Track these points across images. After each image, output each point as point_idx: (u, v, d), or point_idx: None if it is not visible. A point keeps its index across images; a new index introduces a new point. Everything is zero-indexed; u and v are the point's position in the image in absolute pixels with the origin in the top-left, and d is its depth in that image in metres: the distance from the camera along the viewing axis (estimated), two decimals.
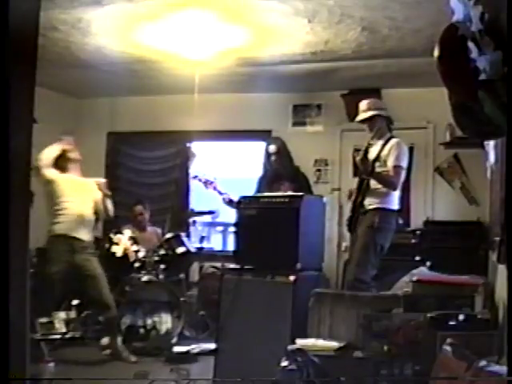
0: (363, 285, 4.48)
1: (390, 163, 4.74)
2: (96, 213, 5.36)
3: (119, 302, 5.44)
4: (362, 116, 4.97)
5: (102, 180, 5.42)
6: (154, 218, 6.79)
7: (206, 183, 5.55)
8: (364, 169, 4.79)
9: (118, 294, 5.53)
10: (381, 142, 4.88)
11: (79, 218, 5.16)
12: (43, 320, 5.01)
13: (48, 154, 5.05)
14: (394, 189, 4.79)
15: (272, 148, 5.75)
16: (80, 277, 5.14)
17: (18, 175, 1.48)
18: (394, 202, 4.82)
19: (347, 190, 5.23)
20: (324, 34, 4.98)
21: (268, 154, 5.78)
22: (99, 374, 4.52)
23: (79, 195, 5.20)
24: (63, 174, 5.19)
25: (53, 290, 5.00)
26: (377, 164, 4.82)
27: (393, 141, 4.85)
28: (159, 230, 6.64)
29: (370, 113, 4.91)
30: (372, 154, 4.88)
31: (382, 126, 4.94)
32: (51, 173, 5.09)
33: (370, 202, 4.77)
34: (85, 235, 5.21)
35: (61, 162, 5.17)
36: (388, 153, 4.79)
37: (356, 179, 5.08)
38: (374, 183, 4.79)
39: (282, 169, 5.68)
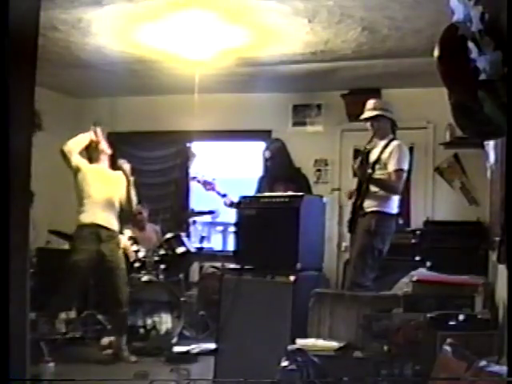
0: (361, 288, 4.48)
1: (391, 167, 4.73)
2: (121, 205, 5.34)
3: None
4: (367, 114, 4.97)
5: (127, 164, 5.37)
6: (154, 218, 6.79)
7: (205, 184, 5.55)
8: (362, 175, 4.81)
9: None
10: (382, 144, 4.88)
11: (105, 206, 5.15)
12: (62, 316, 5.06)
13: (76, 142, 5.09)
14: (396, 193, 4.79)
15: (267, 154, 5.78)
16: (103, 267, 5.12)
17: (18, 175, 1.48)
18: (393, 205, 4.82)
19: (347, 191, 5.23)
20: (324, 34, 4.98)
21: (265, 159, 5.80)
22: (99, 374, 4.52)
23: (106, 185, 5.19)
24: (92, 164, 5.19)
25: (75, 279, 5.02)
26: (377, 166, 4.82)
27: (394, 143, 4.84)
28: (158, 229, 6.64)
29: (376, 112, 4.91)
30: (373, 156, 4.88)
31: (385, 127, 4.94)
32: (78, 160, 5.11)
33: (368, 205, 4.77)
34: (111, 224, 5.19)
35: (90, 153, 5.20)
36: (389, 156, 4.78)
37: (356, 179, 5.08)
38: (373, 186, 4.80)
39: (279, 172, 5.69)
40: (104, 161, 5.30)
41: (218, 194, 5.50)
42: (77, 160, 5.12)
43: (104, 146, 5.30)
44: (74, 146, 5.08)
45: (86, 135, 5.17)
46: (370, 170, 4.82)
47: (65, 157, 5.04)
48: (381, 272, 4.77)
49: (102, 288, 5.37)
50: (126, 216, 5.53)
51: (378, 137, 4.91)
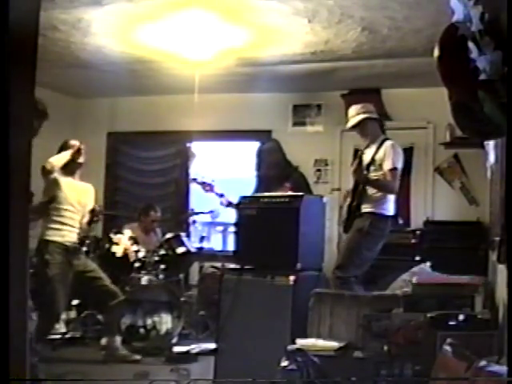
0: (344, 282, 4.53)
1: (386, 167, 4.75)
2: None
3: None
4: (351, 122, 4.99)
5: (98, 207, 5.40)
6: None
7: (204, 186, 5.55)
8: (358, 178, 4.83)
9: None
10: (375, 145, 4.89)
11: (74, 226, 5.11)
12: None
13: (60, 160, 5.02)
14: (393, 192, 4.80)
15: (257, 160, 5.79)
16: (79, 275, 5.10)
17: (18, 175, 1.48)
18: (389, 207, 4.82)
19: (345, 191, 5.24)
20: (324, 33, 4.98)
21: (257, 160, 5.81)
22: (99, 374, 4.52)
23: (78, 202, 5.15)
24: (66, 177, 5.17)
25: (56, 293, 4.98)
26: (371, 168, 4.83)
27: (387, 143, 4.85)
28: (158, 229, 6.64)
29: (359, 117, 4.92)
30: (367, 157, 4.89)
31: (373, 129, 4.95)
32: (60, 178, 5.06)
33: (364, 206, 4.79)
34: (75, 239, 5.14)
35: (67, 167, 5.15)
36: (383, 156, 4.79)
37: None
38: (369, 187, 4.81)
39: (273, 171, 5.68)
40: (77, 174, 5.25)
41: (217, 194, 5.50)
42: (59, 179, 5.04)
43: (82, 158, 5.21)
44: (57, 165, 4.99)
45: (67, 153, 5.07)
46: (365, 172, 4.83)
47: (46, 173, 4.92)
48: (381, 272, 4.78)
49: (91, 288, 5.31)
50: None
51: (370, 140, 4.93)
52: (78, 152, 5.11)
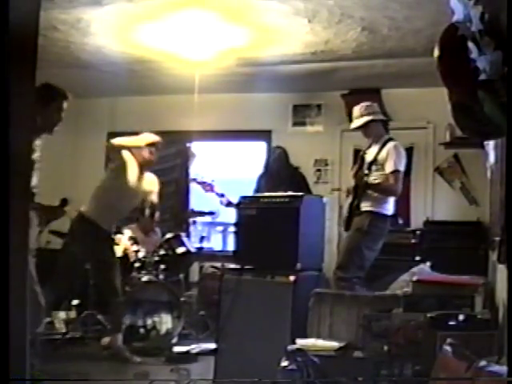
0: (345, 282, 4.53)
1: (388, 169, 4.74)
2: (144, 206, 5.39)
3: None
4: (355, 123, 4.98)
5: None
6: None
7: (204, 186, 5.55)
8: (359, 181, 4.84)
9: None
10: (378, 145, 4.89)
11: (116, 212, 5.19)
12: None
13: (135, 142, 5.06)
14: (395, 195, 4.81)
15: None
16: (97, 260, 5.14)
17: (18, 175, 1.48)
18: (389, 206, 4.83)
19: (346, 188, 5.24)
20: (324, 33, 4.99)
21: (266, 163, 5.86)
22: (99, 374, 4.51)
23: (133, 191, 5.17)
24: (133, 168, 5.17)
25: (74, 269, 5.06)
26: (373, 167, 4.83)
27: (390, 144, 4.84)
28: (158, 229, 6.64)
29: (363, 119, 4.91)
30: (369, 157, 4.89)
31: (377, 129, 4.95)
32: (127, 157, 5.07)
33: (364, 205, 4.80)
34: (110, 227, 5.23)
35: (140, 162, 5.15)
36: (386, 156, 4.79)
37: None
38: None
39: (277, 173, 5.72)
40: (146, 171, 5.28)
41: (217, 194, 5.51)
42: (126, 156, 5.07)
43: (152, 156, 5.22)
44: (131, 144, 5.04)
45: (145, 136, 5.12)
46: (366, 171, 4.83)
47: (116, 150, 5.03)
48: (380, 272, 4.78)
49: (98, 276, 5.34)
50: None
51: (373, 140, 4.93)
52: (155, 147, 5.12)
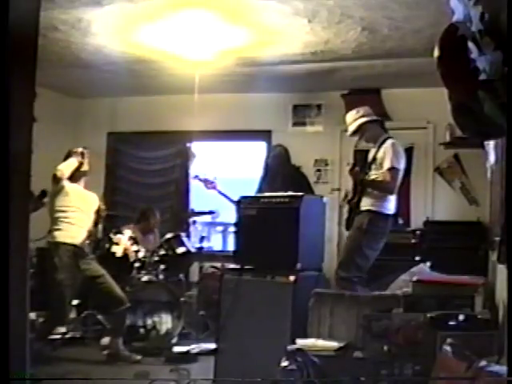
0: (347, 282, 4.52)
1: (385, 166, 4.75)
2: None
3: None
4: (350, 129, 5.02)
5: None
6: None
7: (206, 183, 5.56)
8: (355, 178, 4.84)
9: None
10: (377, 144, 4.90)
11: (81, 227, 5.23)
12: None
13: (69, 167, 5.15)
14: (391, 193, 4.81)
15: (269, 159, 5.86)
16: (87, 279, 5.19)
17: (18, 175, 1.48)
18: (389, 205, 4.83)
19: (346, 191, 5.26)
20: (324, 34, 4.99)
21: (266, 162, 5.87)
22: (99, 374, 4.52)
23: (83, 206, 5.29)
24: (72, 184, 5.25)
25: (64, 297, 5.05)
26: (373, 166, 4.84)
27: (388, 142, 4.85)
28: (157, 231, 6.63)
29: (357, 122, 4.93)
30: (369, 156, 4.90)
31: (373, 131, 4.96)
32: (66, 184, 5.17)
33: (364, 204, 4.81)
34: (83, 243, 5.26)
35: (73, 175, 5.23)
36: (383, 155, 4.80)
37: None
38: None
39: (279, 172, 5.73)
40: (82, 181, 5.37)
41: (219, 192, 5.53)
42: (67, 185, 5.17)
43: (87, 166, 5.34)
44: (66, 170, 5.14)
45: (74, 159, 5.22)
46: (366, 170, 4.84)
47: (57, 181, 5.10)
48: (380, 272, 4.78)
49: (97, 292, 5.38)
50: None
51: (372, 142, 4.95)
52: (82, 156, 5.20)
